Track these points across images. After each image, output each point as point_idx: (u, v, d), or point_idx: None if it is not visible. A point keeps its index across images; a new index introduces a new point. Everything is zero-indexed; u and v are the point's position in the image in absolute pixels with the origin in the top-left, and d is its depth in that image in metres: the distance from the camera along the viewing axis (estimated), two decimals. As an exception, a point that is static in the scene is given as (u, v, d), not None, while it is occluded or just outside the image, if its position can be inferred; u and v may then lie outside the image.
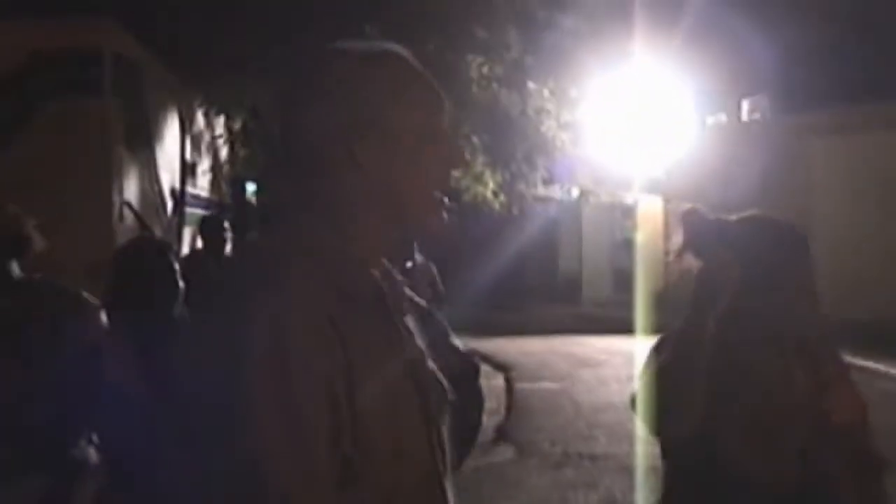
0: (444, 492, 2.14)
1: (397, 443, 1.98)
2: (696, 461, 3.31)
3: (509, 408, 14.16)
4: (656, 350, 3.68)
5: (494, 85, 18.62)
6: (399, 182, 2.05)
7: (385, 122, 2.04)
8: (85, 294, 4.45)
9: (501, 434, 12.63)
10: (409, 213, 2.08)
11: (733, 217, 3.61)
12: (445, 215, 2.13)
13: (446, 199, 2.13)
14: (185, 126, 15.40)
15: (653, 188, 26.78)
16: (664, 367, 3.49)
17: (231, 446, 1.83)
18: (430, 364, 2.24)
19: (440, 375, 2.26)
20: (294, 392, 1.84)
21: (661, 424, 3.49)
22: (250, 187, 21.69)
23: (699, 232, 3.59)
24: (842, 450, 3.33)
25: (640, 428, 3.62)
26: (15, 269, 4.29)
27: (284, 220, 2.14)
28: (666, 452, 3.59)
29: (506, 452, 11.72)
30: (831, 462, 3.32)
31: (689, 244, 3.66)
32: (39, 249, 4.35)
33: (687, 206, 3.79)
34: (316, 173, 2.07)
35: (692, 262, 3.63)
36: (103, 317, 4.40)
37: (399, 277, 2.25)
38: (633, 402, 3.69)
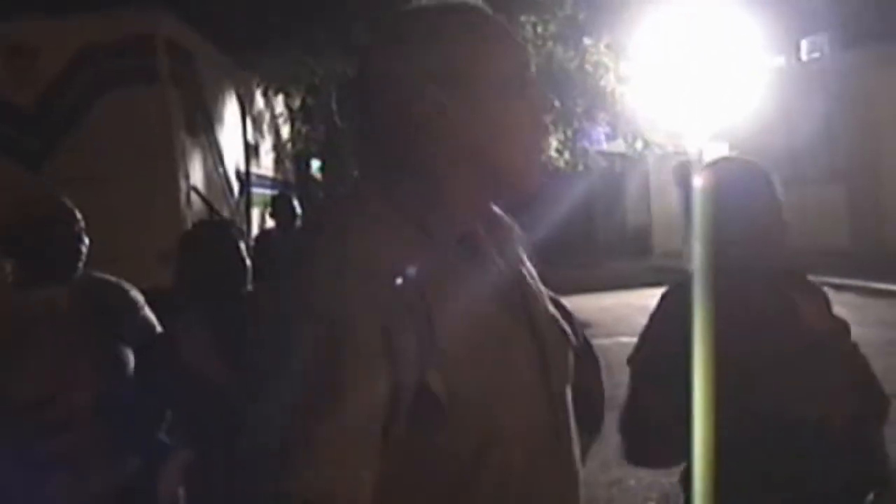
0: (560, 446, 2.06)
1: (494, 385, 1.91)
2: (739, 416, 3.26)
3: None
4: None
5: (550, 43, 18.54)
6: (485, 136, 1.96)
7: (468, 74, 1.96)
8: (130, 287, 4.58)
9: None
10: (497, 169, 1.99)
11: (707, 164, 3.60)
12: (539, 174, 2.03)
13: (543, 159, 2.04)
14: (245, 107, 15.46)
15: (717, 136, 26.54)
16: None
17: (275, 399, 1.81)
18: (551, 311, 2.18)
19: (563, 324, 2.21)
20: (339, 352, 1.79)
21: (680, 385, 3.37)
22: (314, 164, 21.76)
23: (687, 185, 3.61)
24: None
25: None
26: (62, 260, 4.39)
27: (365, 177, 2.10)
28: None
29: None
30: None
31: (683, 197, 3.73)
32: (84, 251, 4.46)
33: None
34: (399, 131, 1.99)
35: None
36: (148, 310, 4.63)
37: (511, 224, 2.20)
38: (632, 363, 3.50)
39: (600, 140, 23.49)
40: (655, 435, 3.38)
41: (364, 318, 1.80)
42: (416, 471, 1.89)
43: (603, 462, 8.86)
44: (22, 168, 11.10)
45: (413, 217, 1.95)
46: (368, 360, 1.80)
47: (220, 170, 13.59)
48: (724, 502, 3.20)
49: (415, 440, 1.87)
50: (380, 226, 1.92)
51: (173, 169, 11.40)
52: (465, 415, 1.87)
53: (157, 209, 10.94)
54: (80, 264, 4.43)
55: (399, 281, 1.84)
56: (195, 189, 11.92)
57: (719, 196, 3.39)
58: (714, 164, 3.54)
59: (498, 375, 1.92)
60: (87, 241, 4.45)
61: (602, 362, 2.82)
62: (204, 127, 12.98)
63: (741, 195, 3.37)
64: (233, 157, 14.34)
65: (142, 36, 11.46)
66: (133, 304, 4.55)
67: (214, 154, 13.36)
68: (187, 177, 11.70)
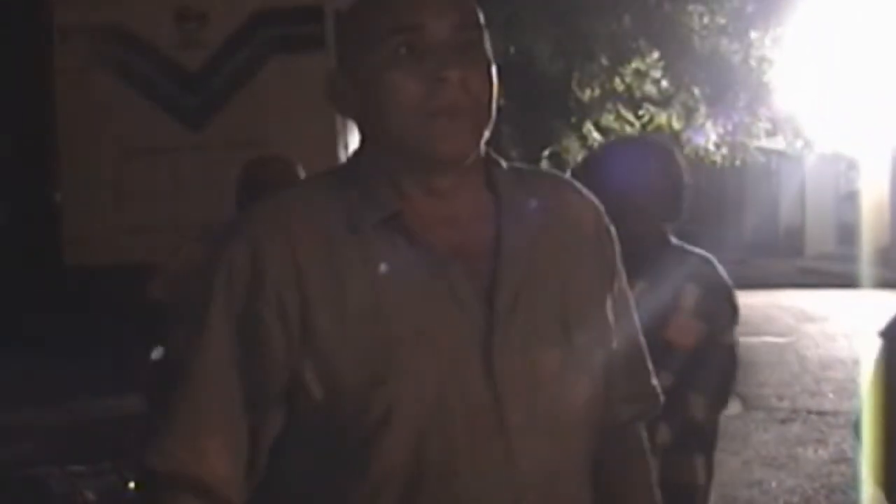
0: (505, 444, 1.90)
1: (385, 371, 1.86)
2: None
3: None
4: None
5: (716, 35, 18.35)
6: (372, 110, 1.95)
7: (349, 44, 1.99)
8: None
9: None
10: (395, 143, 1.94)
11: None
12: (451, 130, 1.90)
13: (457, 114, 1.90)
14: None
15: (879, 140, 25.98)
16: None
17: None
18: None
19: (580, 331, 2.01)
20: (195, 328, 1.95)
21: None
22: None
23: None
24: None
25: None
26: None
27: None
28: None
29: (732, 406, 11.55)
30: None
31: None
32: None
33: None
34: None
35: None
36: None
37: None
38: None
39: (759, 134, 23.19)
40: None
41: (222, 295, 1.93)
42: (307, 451, 1.95)
43: (745, 462, 8.82)
44: (182, 127, 11.39)
45: (342, 194, 1.98)
46: (220, 336, 1.92)
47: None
48: None
49: (296, 423, 1.95)
50: (303, 204, 2.04)
51: (333, 136, 11.53)
52: (345, 403, 1.88)
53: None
54: None
55: (277, 264, 1.91)
56: (353, 158, 12.07)
57: (603, 169, 3.53)
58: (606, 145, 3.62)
59: (394, 364, 1.88)
60: None
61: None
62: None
63: (625, 168, 3.54)
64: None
65: (310, 4, 11.62)
66: None
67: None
68: (346, 146, 11.84)
